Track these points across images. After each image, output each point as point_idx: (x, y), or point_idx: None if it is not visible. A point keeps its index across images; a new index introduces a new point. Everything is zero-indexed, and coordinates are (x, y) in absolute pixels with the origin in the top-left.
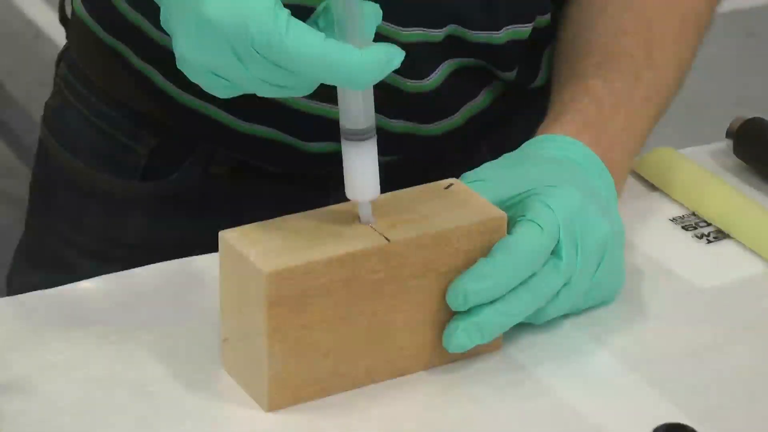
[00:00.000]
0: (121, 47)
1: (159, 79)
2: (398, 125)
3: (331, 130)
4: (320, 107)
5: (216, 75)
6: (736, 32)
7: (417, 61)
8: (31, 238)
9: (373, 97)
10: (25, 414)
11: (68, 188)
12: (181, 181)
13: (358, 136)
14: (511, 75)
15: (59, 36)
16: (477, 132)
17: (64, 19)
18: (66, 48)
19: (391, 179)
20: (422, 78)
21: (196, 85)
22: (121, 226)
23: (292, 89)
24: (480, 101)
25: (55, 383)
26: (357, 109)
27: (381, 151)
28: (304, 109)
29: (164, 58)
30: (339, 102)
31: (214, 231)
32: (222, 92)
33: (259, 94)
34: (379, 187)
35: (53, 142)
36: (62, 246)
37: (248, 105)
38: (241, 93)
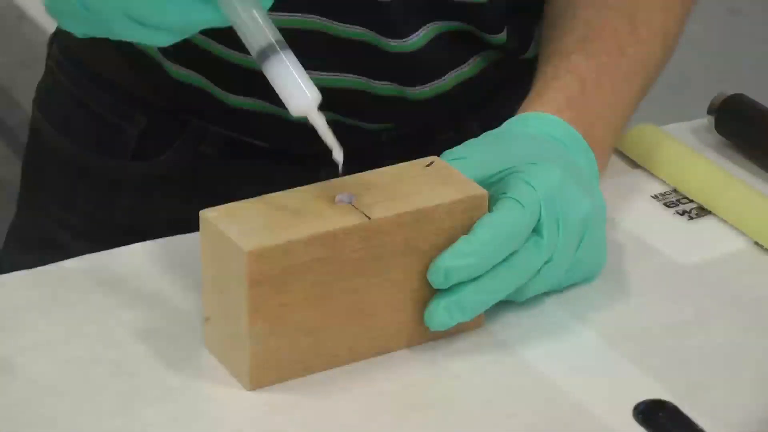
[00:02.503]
0: None
1: (151, 50)
2: (384, 88)
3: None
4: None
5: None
6: (719, 9)
7: (397, 20)
8: (22, 220)
9: (264, 10)
10: (5, 393)
11: (59, 169)
12: (172, 161)
13: (271, 53)
14: (500, 38)
15: (43, 17)
16: (467, 101)
17: None
18: (58, 29)
19: (382, 155)
20: (403, 38)
21: (188, 57)
22: (112, 207)
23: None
24: (469, 69)
25: (36, 363)
26: (255, 26)
27: (371, 119)
28: None
29: None
30: (236, 30)
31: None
32: (80, 28)
33: (123, 38)
34: (315, 88)
35: (44, 124)
36: (54, 227)
37: (234, 77)
38: (101, 33)
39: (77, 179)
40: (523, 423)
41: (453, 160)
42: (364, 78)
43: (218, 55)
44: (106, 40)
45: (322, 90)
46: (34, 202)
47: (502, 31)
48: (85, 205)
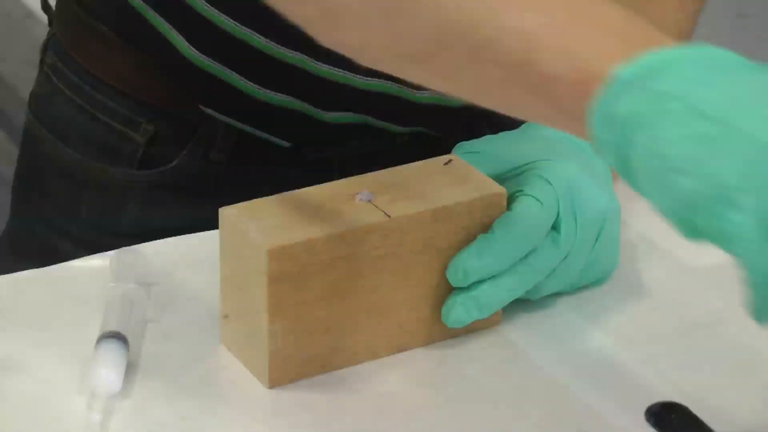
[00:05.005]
0: (143, 7)
1: (182, 43)
2: (423, 96)
3: (350, 99)
4: (343, 75)
5: None
6: (727, 13)
7: None
8: (19, 229)
9: None
10: (15, 391)
11: (60, 178)
12: (180, 169)
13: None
14: None
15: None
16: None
17: (46, 7)
18: (52, 35)
19: (400, 156)
20: None
21: (216, 49)
22: (117, 216)
23: None
24: None
25: (45, 361)
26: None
27: (407, 123)
28: (326, 75)
29: (188, 20)
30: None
31: (212, 219)
32: None
33: None
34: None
35: (43, 131)
36: (55, 237)
37: (268, 71)
38: None
39: (79, 188)
40: (533, 424)
41: (467, 153)
42: (405, 87)
43: (257, 47)
44: (111, 40)
45: (356, 92)
46: (31, 210)
47: None
48: (88, 215)
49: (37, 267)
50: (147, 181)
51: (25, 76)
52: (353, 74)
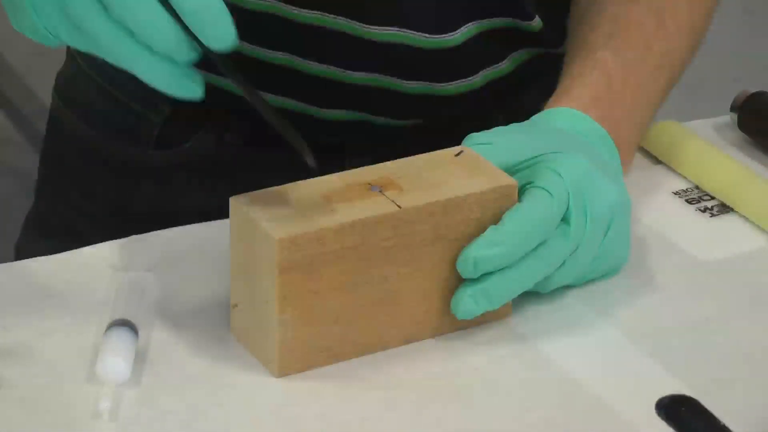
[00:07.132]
0: None
1: None
2: (414, 87)
3: (344, 95)
4: (332, 71)
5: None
6: (734, 10)
7: (437, 17)
8: (42, 208)
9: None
10: (24, 379)
11: (80, 157)
12: (195, 150)
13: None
14: (535, 25)
15: None
16: (494, 97)
17: None
18: None
19: (407, 148)
20: (444, 33)
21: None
22: (134, 195)
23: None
24: (503, 67)
25: (55, 348)
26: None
27: (399, 116)
28: (316, 73)
29: None
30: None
31: (226, 204)
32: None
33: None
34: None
35: (66, 111)
36: (74, 215)
37: (259, 75)
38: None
39: (98, 167)
40: (541, 417)
41: (478, 144)
42: (394, 78)
43: (246, 53)
44: None
45: (347, 87)
46: (54, 189)
47: (535, 17)
48: (105, 194)
49: (57, 245)
50: (162, 161)
51: (32, 65)
52: (342, 69)
